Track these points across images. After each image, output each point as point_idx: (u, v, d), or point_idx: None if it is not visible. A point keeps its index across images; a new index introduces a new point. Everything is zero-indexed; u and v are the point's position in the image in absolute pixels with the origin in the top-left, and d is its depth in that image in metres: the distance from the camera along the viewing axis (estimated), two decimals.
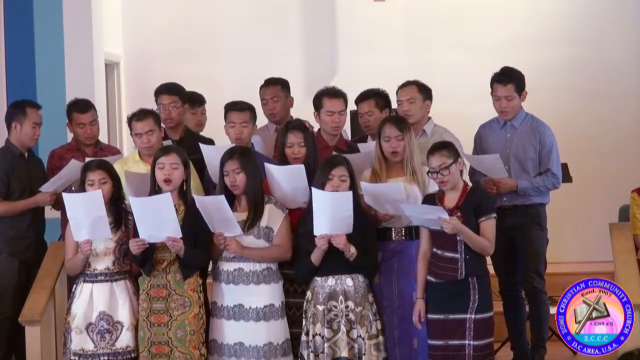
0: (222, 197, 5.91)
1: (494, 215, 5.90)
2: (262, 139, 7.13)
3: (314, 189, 5.88)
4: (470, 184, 6.09)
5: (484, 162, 6.83)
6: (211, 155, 6.43)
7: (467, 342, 5.78)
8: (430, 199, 5.95)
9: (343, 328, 5.89)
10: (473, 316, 5.78)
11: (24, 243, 6.98)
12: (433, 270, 5.88)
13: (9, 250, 6.94)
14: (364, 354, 5.89)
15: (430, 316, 5.88)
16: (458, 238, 5.79)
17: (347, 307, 5.92)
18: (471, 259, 5.80)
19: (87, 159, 6.52)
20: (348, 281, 5.94)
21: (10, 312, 6.81)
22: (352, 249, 5.86)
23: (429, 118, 6.86)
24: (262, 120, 7.30)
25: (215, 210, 5.91)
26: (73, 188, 6.60)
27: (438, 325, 5.85)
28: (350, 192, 5.84)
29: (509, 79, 6.85)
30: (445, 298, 5.82)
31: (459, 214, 5.81)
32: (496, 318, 7.25)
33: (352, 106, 7.11)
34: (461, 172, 5.94)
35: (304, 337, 5.96)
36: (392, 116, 6.66)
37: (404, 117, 6.62)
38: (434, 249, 5.88)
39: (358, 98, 7.04)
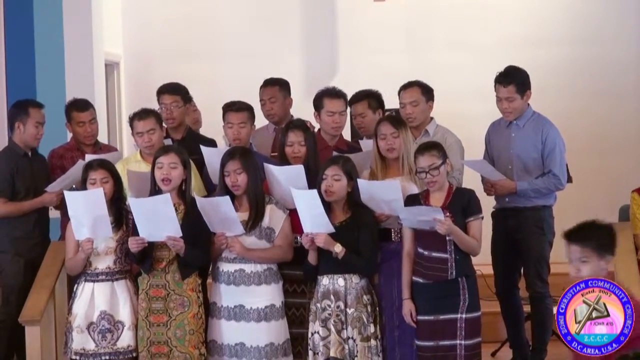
0: (227, 198, 5.91)
1: (482, 215, 5.90)
2: (260, 139, 7.12)
3: (291, 189, 5.88)
4: (454, 185, 6.09)
5: (475, 167, 6.82)
6: (211, 157, 6.43)
7: (458, 342, 5.77)
8: (414, 200, 5.94)
9: (333, 328, 5.88)
10: (464, 316, 5.77)
11: (30, 243, 6.98)
12: (420, 271, 5.86)
13: (14, 250, 6.94)
14: (356, 355, 5.88)
15: (420, 318, 5.87)
16: (448, 238, 5.78)
17: (337, 307, 5.91)
18: (460, 259, 5.80)
19: (88, 156, 6.54)
20: (340, 281, 5.93)
21: (14, 312, 6.81)
22: (337, 248, 5.84)
23: (432, 118, 6.85)
24: (262, 120, 7.29)
25: (217, 211, 5.91)
26: (74, 186, 6.61)
27: (428, 326, 5.84)
28: (315, 190, 5.83)
29: (509, 80, 6.82)
30: (434, 299, 5.81)
31: (447, 214, 5.80)
32: (496, 318, 7.29)
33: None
34: (447, 172, 5.94)
35: (308, 335, 5.98)
36: (388, 115, 6.66)
37: (407, 120, 6.62)
38: (421, 250, 5.87)
39: (351, 100, 7.03)
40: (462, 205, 5.84)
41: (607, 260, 4.69)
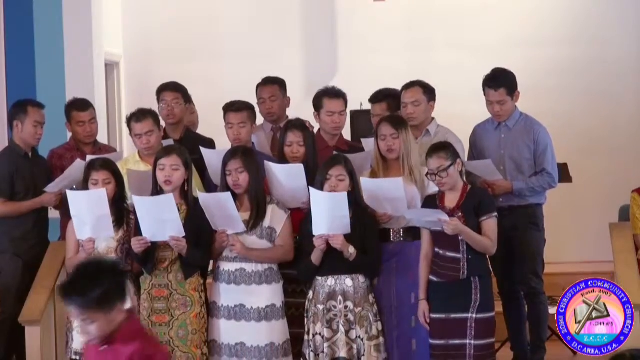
0: (228, 194, 5.91)
1: (495, 214, 5.90)
2: (257, 138, 7.11)
3: (311, 189, 5.88)
4: (469, 185, 6.09)
5: (477, 168, 6.83)
6: (212, 159, 6.43)
7: (467, 341, 5.78)
8: (431, 201, 5.95)
9: (342, 328, 5.89)
10: (474, 315, 5.79)
11: (29, 243, 6.98)
12: (435, 270, 5.89)
13: (13, 250, 6.95)
14: (363, 354, 5.89)
15: (432, 315, 5.89)
16: (460, 238, 5.80)
17: (346, 307, 5.91)
18: (473, 259, 5.81)
19: (89, 157, 6.54)
20: (347, 281, 5.94)
21: (12, 312, 6.81)
22: (351, 250, 5.86)
23: (433, 118, 6.85)
24: (258, 119, 7.27)
25: (219, 207, 5.92)
26: (74, 187, 6.60)
27: (439, 324, 5.85)
28: (345, 193, 5.84)
29: (500, 84, 6.82)
30: (447, 297, 5.83)
31: (460, 214, 5.81)
32: (496, 318, 7.27)
33: (352, 106, 7.10)
34: (460, 172, 5.94)
35: (306, 337, 5.97)
36: (388, 115, 6.66)
37: (408, 119, 6.62)
38: (437, 249, 5.89)
39: (372, 98, 7.02)
40: (474, 204, 5.85)
41: (117, 312, 3.77)
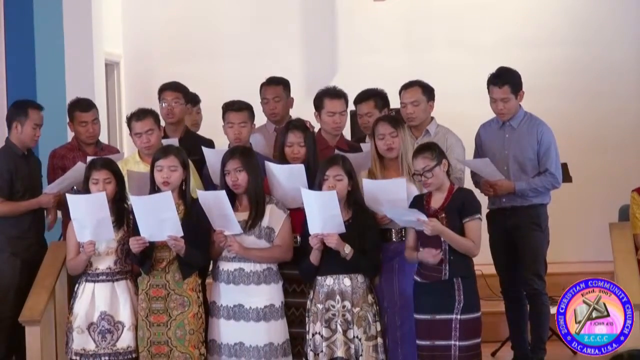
0: (223, 193, 5.91)
1: (479, 216, 5.87)
2: (260, 139, 7.11)
3: (302, 189, 5.88)
4: (456, 185, 6.08)
5: (476, 166, 6.83)
6: (212, 158, 6.43)
7: (452, 342, 5.77)
8: (419, 200, 5.95)
9: (339, 328, 5.89)
10: (459, 317, 5.77)
11: (26, 243, 6.98)
12: (419, 271, 5.88)
13: (10, 250, 6.95)
14: (361, 354, 5.89)
15: (417, 316, 5.88)
16: (442, 239, 5.79)
17: (344, 307, 5.91)
18: (455, 260, 5.79)
19: (90, 158, 6.54)
20: (346, 281, 5.94)
21: (11, 312, 6.81)
22: (347, 249, 5.86)
23: (432, 118, 6.86)
24: (260, 118, 7.28)
25: (216, 206, 5.92)
26: (75, 187, 6.61)
27: (425, 325, 5.84)
28: (334, 192, 5.83)
29: (504, 81, 6.83)
30: (432, 298, 5.81)
31: (442, 215, 5.80)
32: (496, 318, 7.29)
33: (352, 106, 7.11)
34: (447, 172, 5.92)
35: (307, 336, 5.98)
36: (385, 115, 6.66)
37: (408, 119, 6.62)
38: (421, 249, 5.87)
39: (357, 99, 7.04)
40: (457, 205, 5.84)
41: None
